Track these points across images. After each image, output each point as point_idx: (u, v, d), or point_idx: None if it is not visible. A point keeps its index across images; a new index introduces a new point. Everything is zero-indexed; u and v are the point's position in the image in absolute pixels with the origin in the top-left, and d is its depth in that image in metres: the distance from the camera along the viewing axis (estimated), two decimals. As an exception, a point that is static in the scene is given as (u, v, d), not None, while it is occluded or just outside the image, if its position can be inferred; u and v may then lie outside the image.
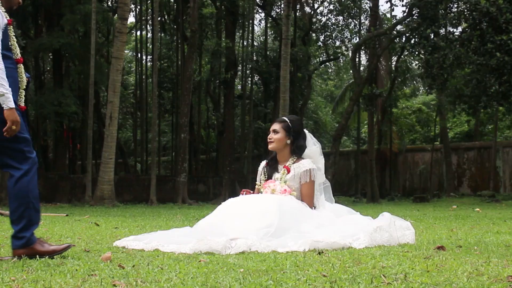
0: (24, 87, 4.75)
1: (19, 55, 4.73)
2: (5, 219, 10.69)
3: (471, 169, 30.04)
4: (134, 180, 26.67)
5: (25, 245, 4.58)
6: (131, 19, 36.09)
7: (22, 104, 4.71)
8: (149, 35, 33.95)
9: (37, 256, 4.56)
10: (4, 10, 4.67)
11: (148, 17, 33.93)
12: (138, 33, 34.82)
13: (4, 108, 4.38)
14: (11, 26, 4.67)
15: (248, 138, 31.31)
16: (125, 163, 33.61)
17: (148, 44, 34.33)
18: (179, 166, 24.14)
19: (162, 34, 34.49)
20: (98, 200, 19.68)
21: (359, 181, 31.29)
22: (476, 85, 21.17)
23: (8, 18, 4.66)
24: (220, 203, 5.89)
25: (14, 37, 4.70)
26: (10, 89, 4.40)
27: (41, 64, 30.57)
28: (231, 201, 5.71)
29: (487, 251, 5.03)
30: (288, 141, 5.92)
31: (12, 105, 4.39)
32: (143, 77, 32.83)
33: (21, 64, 4.74)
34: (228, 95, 29.01)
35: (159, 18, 30.13)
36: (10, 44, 4.65)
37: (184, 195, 23.46)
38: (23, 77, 4.75)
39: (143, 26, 34.28)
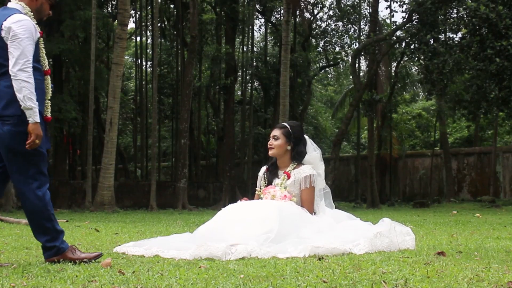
0: (49, 97, 4.86)
1: (47, 66, 4.85)
2: (5, 225, 10.69)
3: (471, 175, 30.03)
4: (134, 185, 26.65)
5: (56, 254, 4.67)
6: (131, 25, 36.11)
7: (49, 115, 4.82)
8: (149, 41, 33.97)
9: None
10: (36, 22, 4.77)
11: (148, 23, 33.96)
12: (138, 39, 34.84)
13: (30, 122, 4.46)
14: (42, 38, 4.78)
15: (248, 143, 31.31)
16: (125, 169, 33.60)
17: (148, 50, 34.35)
18: (179, 172, 24.13)
19: (162, 40, 34.51)
20: (98, 206, 19.66)
21: (359, 187, 31.26)
22: (476, 90, 21.18)
23: (39, 30, 4.77)
24: (220, 209, 5.90)
25: (43, 49, 4.81)
26: (37, 103, 4.50)
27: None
28: (231, 207, 5.71)
29: (487, 257, 5.03)
30: (289, 147, 5.92)
31: (38, 119, 4.49)
32: (143, 82, 32.83)
33: (48, 76, 4.86)
34: (228, 101, 29.01)
35: (159, 24, 30.16)
36: (39, 56, 4.75)
37: (184, 201, 23.45)
38: (49, 88, 4.87)
39: (143, 32, 34.30)
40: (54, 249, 4.68)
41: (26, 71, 4.46)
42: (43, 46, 4.83)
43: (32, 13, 4.79)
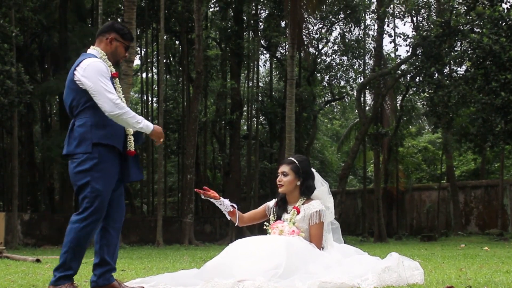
0: (132, 132, 5.15)
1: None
2: (11, 262, 10.66)
3: (478, 208, 29.88)
4: (140, 221, 26.60)
5: (53, 283, 4.78)
6: (137, 61, 36.44)
7: (132, 149, 5.09)
8: (155, 77, 34.22)
9: None
10: (110, 64, 5.07)
11: (154, 59, 34.24)
12: (144, 75, 35.13)
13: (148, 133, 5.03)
14: (117, 79, 5.07)
15: (254, 178, 31.30)
16: (131, 204, 33.54)
17: (154, 86, 34.58)
18: (185, 207, 24.10)
19: (168, 76, 34.75)
20: (104, 242, 19.56)
21: (366, 220, 31.14)
22: (481, 124, 21.16)
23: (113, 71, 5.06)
24: (227, 244, 5.86)
25: (119, 88, 5.09)
26: (141, 120, 5.00)
27: (47, 107, 30.78)
28: (238, 242, 5.67)
29: (497, 291, 4.98)
30: (298, 183, 5.86)
31: (147, 129, 5.04)
32: (149, 118, 32.97)
33: None
34: (234, 136, 29.09)
35: (164, 60, 30.38)
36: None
37: (191, 236, 23.37)
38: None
39: (149, 68, 34.57)
40: (54, 277, 4.81)
41: (117, 104, 4.81)
42: (119, 86, 5.10)
43: (106, 57, 5.07)
